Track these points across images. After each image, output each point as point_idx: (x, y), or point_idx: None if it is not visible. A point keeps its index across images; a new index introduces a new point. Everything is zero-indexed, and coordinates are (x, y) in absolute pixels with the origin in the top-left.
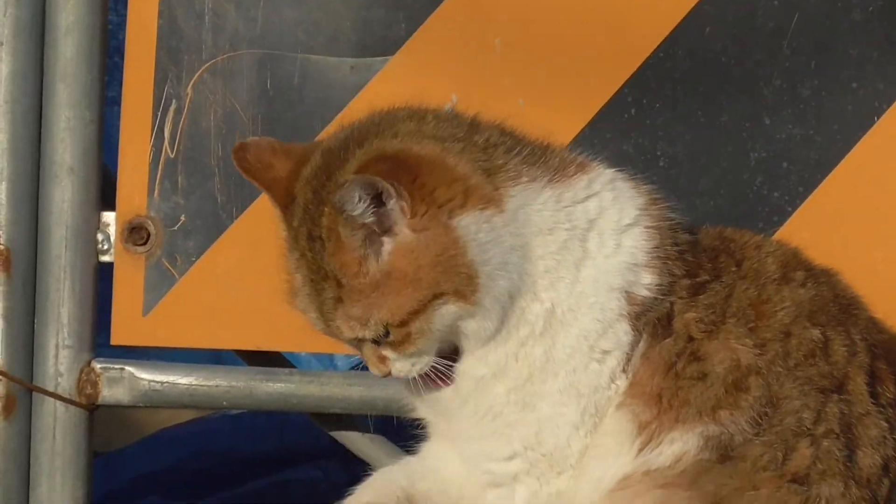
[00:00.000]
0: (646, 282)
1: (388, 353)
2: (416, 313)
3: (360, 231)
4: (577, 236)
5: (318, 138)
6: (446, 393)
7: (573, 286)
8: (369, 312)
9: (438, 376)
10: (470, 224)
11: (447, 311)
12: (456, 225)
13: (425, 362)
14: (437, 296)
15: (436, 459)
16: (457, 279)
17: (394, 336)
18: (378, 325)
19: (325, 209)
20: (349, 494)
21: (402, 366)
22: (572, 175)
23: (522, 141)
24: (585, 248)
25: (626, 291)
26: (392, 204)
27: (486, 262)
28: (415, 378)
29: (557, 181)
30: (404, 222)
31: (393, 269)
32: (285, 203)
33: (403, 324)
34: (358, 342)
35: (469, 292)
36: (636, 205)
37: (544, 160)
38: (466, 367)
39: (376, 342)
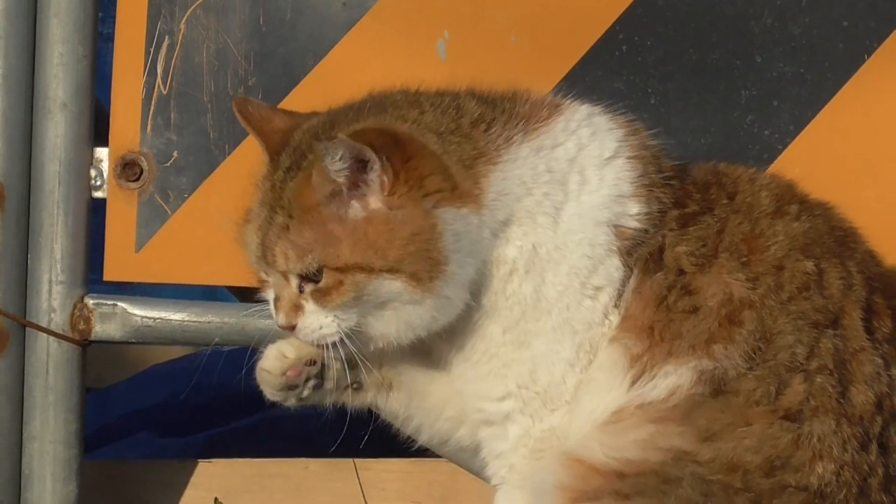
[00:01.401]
0: (633, 212)
1: (307, 302)
2: (361, 269)
3: (330, 184)
4: (557, 180)
5: (307, 77)
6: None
7: (556, 226)
8: (312, 246)
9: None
10: (451, 217)
11: (392, 286)
12: (439, 214)
13: (334, 330)
14: (393, 270)
15: (425, 371)
16: (421, 263)
17: (325, 281)
18: (314, 261)
19: (312, 155)
20: None
21: (312, 321)
22: (546, 118)
23: (495, 103)
24: (566, 190)
25: (615, 225)
26: (374, 175)
27: (457, 250)
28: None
29: (533, 130)
30: (380, 196)
31: (357, 227)
32: (277, 150)
33: (341, 270)
34: (283, 282)
35: (427, 278)
36: (615, 137)
37: (517, 114)
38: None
39: (301, 287)
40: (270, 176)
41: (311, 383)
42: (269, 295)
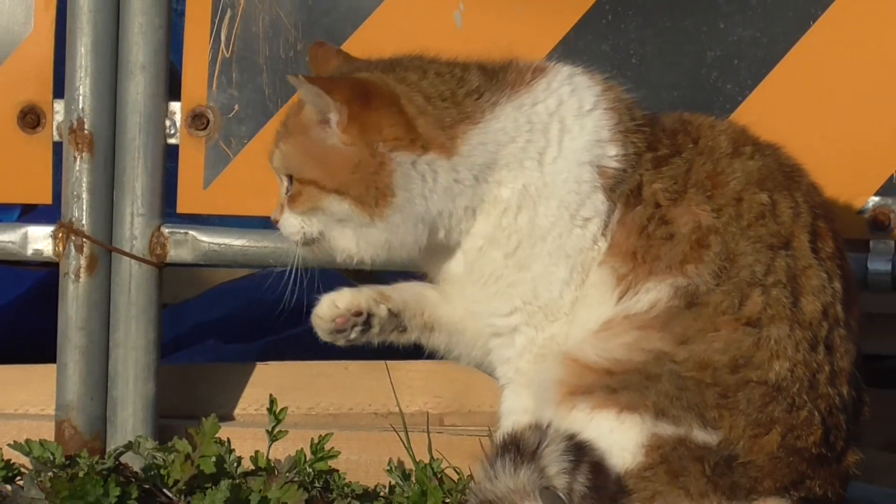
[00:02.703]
0: (612, 154)
1: (286, 204)
2: (315, 185)
3: (316, 115)
4: (538, 129)
5: (346, 42)
6: (458, 267)
7: (541, 168)
8: (289, 156)
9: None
10: (405, 159)
11: (341, 206)
12: (392, 157)
13: (297, 229)
14: (339, 192)
15: (451, 297)
16: (365, 190)
17: (293, 188)
18: (287, 166)
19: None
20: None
21: (285, 220)
22: (530, 81)
23: (491, 74)
24: (547, 137)
25: (597, 165)
26: (332, 115)
27: (407, 187)
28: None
29: (516, 92)
30: (336, 131)
31: (318, 151)
32: None
33: (301, 182)
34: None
35: (373, 204)
36: (593, 93)
37: (504, 81)
38: (469, 244)
39: (287, 189)
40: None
41: (359, 329)
42: None
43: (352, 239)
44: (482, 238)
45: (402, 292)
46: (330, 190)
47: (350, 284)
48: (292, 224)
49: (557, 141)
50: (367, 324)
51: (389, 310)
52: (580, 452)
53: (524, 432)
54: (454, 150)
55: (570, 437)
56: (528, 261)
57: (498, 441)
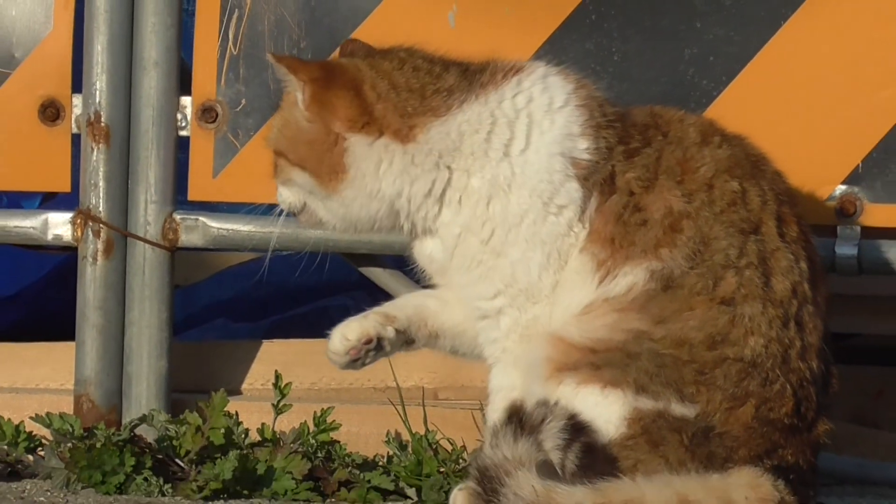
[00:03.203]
0: (583, 147)
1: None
2: (283, 157)
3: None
4: (503, 123)
5: (347, 39)
6: (439, 253)
7: (508, 159)
8: (273, 128)
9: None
10: (358, 141)
11: (303, 176)
12: (347, 137)
13: (284, 199)
14: (300, 165)
15: (449, 302)
16: (320, 166)
17: (274, 160)
18: (269, 139)
19: None
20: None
21: (278, 191)
22: (501, 80)
23: (468, 70)
24: (513, 130)
25: (569, 157)
26: (298, 94)
27: (357, 166)
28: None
29: (485, 92)
30: (301, 108)
31: (289, 129)
32: None
33: (276, 154)
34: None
35: (328, 178)
36: (565, 91)
37: (477, 80)
38: (445, 231)
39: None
40: None
41: (372, 353)
42: None
43: (322, 210)
44: (459, 226)
45: (405, 308)
46: (294, 163)
47: (352, 270)
48: (280, 193)
49: (525, 134)
50: (379, 347)
51: (396, 329)
52: (576, 432)
53: (531, 407)
54: (410, 138)
55: (572, 417)
56: (504, 247)
57: (503, 413)
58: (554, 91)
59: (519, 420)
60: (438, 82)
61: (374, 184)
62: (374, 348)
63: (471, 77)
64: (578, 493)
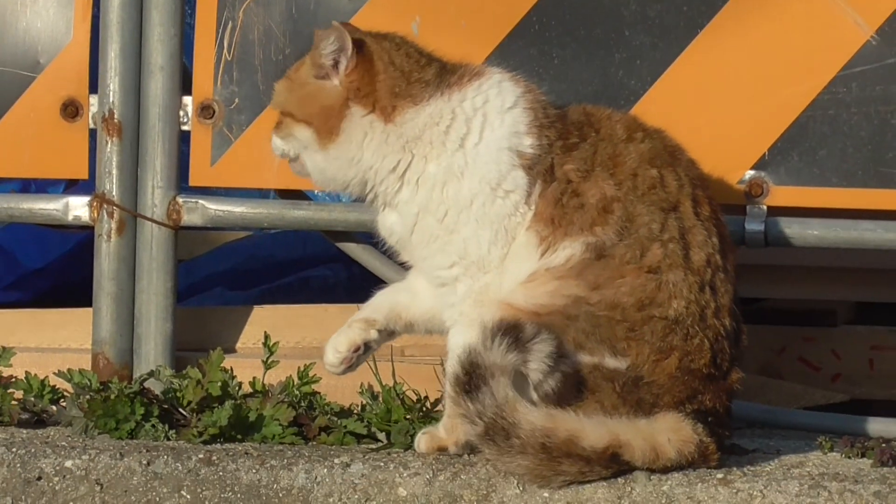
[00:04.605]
0: (528, 143)
1: (273, 129)
2: (290, 116)
3: (314, 68)
4: (463, 119)
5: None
6: (399, 228)
7: (463, 150)
8: (279, 94)
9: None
10: (356, 112)
11: (305, 132)
12: (350, 105)
13: (278, 146)
14: (306, 121)
15: (418, 293)
16: (322, 125)
17: (279, 118)
18: (276, 101)
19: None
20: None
21: (274, 142)
22: (466, 82)
23: (445, 69)
24: (469, 126)
25: (515, 150)
26: (344, 58)
27: (349, 133)
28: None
29: (452, 90)
30: (340, 76)
31: (304, 93)
32: None
33: (282, 114)
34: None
35: (325, 136)
36: (515, 94)
37: (447, 79)
38: (405, 209)
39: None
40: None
41: (362, 356)
42: None
43: (310, 163)
44: (417, 206)
45: (381, 309)
46: (300, 119)
47: (330, 245)
48: (275, 143)
49: (479, 130)
50: (367, 348)
51: (378, 331)
52: (561, 362)
53: (526, 324)
54: (390, 119)
55: (559, 347)
56: (457, 225)
57: (500, 324)
58: (506, 94)
59: (515, 336)
60: (421, 72)
61: (357, 152)
62: (363, 352)
63: (443, 76)
64: (535, 413)
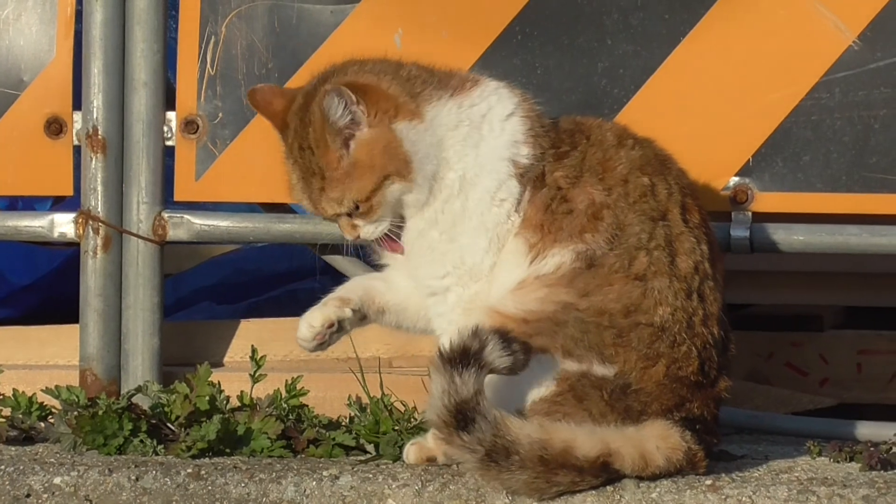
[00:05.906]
0: (524, 153)
1: (358, 221)
2: (374, 191)
3: (339, 137)
4: (475, 127)
5: (307, 62)
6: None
7: (476, 159)
8: (344, 195)
9: (392, 238)
10: (402, 128)
11: (394, 188)
12: (394, 128)
13: (384, 226)
14: (386, 177)
15: (393, 283)
16: (398, 163)
17: (362, 209)
18: (350, 202)
19: (310, 128)
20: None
21: (368, 230)
22: (469, 88)
23: (433, 72)
24: (481, 134)
25: (512, 160)
26: (355, 108)
27: (415, 152)
28: (378, 239)
29: (458, 94)
30: (366, 121)
31: (357, 160)
32: (282, 128)
33: (367, 199)
34: (336, 217)
35: (406, 173)
36: (513, 102)
37: (448, 82)
38: (411, 225)
39: (349, 215)
40: (290, 154)
41: (335, 335)
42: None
43: (409, 207)
44: (424, 221)
45: (356, 290)
46: (375, 188)
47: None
48: (371, 230)
49: (487, 139)
50: (340, 328)
51: (352, 310)
52: (510, 343)
53: (465, 341)
54: (422, 116)
55: (499, 332)
56: (457, 235)
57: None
58: (505, 102)
59: (470, 357)
60: (420, 76)
61: (429, 164)
62: (337, 330)
63: (444, 80)
64: (529, 427)
